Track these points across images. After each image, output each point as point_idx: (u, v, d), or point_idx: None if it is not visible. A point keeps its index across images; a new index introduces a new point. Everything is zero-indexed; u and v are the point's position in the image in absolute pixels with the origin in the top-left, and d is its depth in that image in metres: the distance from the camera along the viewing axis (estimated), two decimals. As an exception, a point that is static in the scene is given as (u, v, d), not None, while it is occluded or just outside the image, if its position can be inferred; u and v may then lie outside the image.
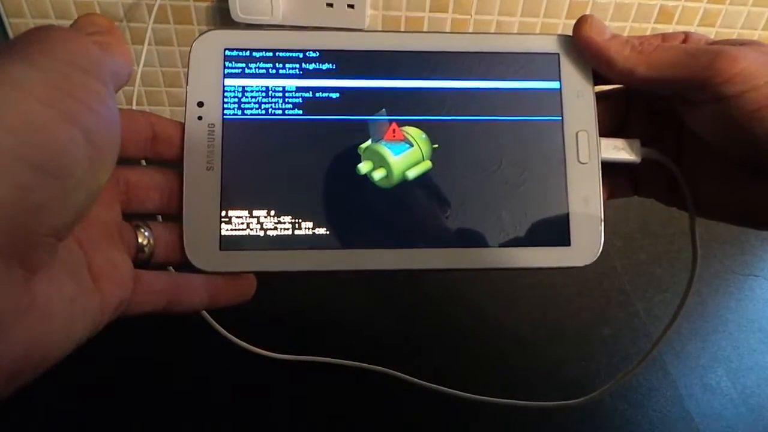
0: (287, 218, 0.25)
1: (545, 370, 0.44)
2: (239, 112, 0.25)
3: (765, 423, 0.42)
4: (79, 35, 0.19)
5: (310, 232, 0.25)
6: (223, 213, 0.25)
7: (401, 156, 0.26)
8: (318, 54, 0.26)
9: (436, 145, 0.26)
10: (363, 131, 0.26)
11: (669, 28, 0.56)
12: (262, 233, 0.25)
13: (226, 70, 0.25)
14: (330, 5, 0.51)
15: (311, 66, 0.26)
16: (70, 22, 0.21)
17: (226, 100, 0.25)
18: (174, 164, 0.25)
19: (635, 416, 0.41)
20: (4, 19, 0.54)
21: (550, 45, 0.27)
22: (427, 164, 0.26)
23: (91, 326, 0.20)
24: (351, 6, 0.51)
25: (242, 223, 0.25)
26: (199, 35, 0.25)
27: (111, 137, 0.18)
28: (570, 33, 0.26)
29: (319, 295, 0.47)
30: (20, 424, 0.38)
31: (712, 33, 0.56)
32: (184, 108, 0.25)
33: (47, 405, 0.39)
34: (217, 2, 0.53)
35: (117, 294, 0.21)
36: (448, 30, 0.55)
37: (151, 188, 0.24)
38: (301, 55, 0.26)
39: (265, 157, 0.25)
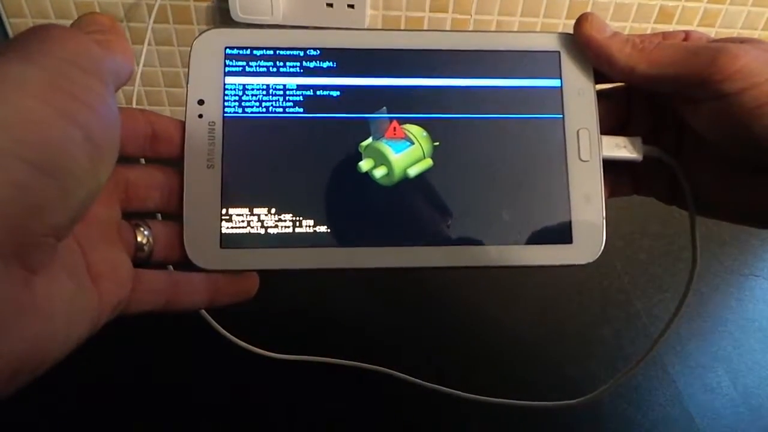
0: (288, 216, 0.25)
1: (545, 370, 0.44)
2: (240, 110, 0.25)
3: (765, 423, 0.42)
4: (79, 34, 0.19)
5: (311, 230, 0.25)
6: (224, 211, 0.25)
7: (402, 154, 0.26)
8: (319, 52, 0.26)
9: (437, 143, 0.26)
10: (364, 129, 0.26)
11: (669, 28, 0.56)
12: (262, 231, 0.25)
13: (227, 69, 0.25)
14: (330, 5, 0.51)
15: (312, 64, 0.26)
16: (71, 22, 0.21)
17: (226, 98, 0.25)
18: (174, 162, 0.25)
19: (635, 416, 0.41)
20: (4, 19, 0.54)
21: (551, 43, 0.27)
22: (428, 162, 0.26)
23: (90, 326, 0.20)
24: (351, 6, 0.51)
25: (243, 221, 0.25)
26: (200, 34, 0.25)
27: (111, 136, 0.18)
28: (571, 32, 0.26)
29: (318, 294, 0.47)
30: (20, 423, 0.38)
31: (712, 33, 0.56)
32: (184, 106, 0.25)
33: (47, 405, 0.39)
34: (217, 2, 0.53)
35: (116, 293, 0.21)
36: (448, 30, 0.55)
37: (151, 187, 0.24)
38: (301, 54, 0.26)
39: (265, 155, 0.25)
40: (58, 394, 0.39)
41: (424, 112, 0.26)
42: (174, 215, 0.25)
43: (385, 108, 0.26)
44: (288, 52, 0.26)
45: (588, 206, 0.26)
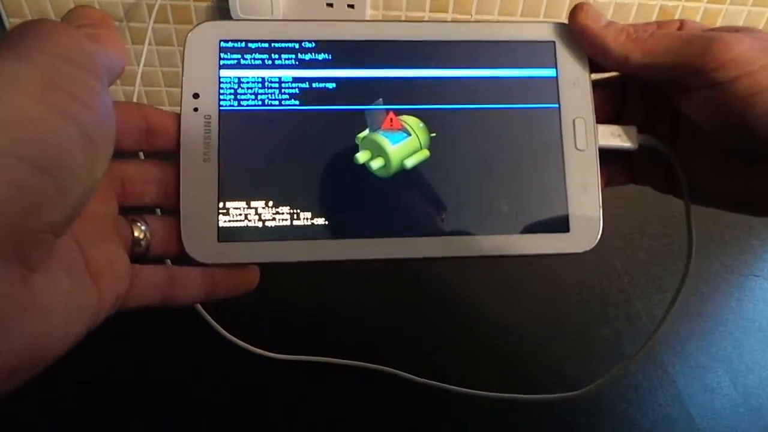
0: (285, 209, 0.25)
1: (545, 369, 0.44)
2: (235, 103, 0.25)
3: (765, 423, 0.42)
4: (71, 29, 0.19)
5: (309, 222, 0.25)
6: (221, 204, 0.24)
7: (399, 145, 0.26)
8: (314, 44, 0.26)
9: (434, 134, 0.26)
10: (360, 121, 0.26)
11: (669, 28, 0.56)
12: (260, 224, 0.25)
13: (222, 62, 0.25)
14: (330, 5, 0.51)
15: (307, 56, 0.26)
16: (70, 21, 0.21)
17: (222, 91, 0.25)
18: (170, 156, 0.24)
19: (635, 416, 0.41)
20: (4, 18, 0.54)
21: (545, 33, 0.27)
22: (425, 153, 0.26)
23: (89, 322, 0.20)
24: (351, 6, 0.51)
25: (240, 215, 0.24)
26: (194, 27, 0.25)
27: (106, 131, 0.18)
28: (566, 22, 0.27)
29: (319, 293, 0.47)
30: (19, 423, 0.38)
31: (712, 33, 0.56)
32: (180, 99, 0.25)
33: (46, 405, 0.39)
34: (217, 2, 0.53)
35: (114, 289, 0.21)
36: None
37: (147, 182, 0.24)
38: (297, 46, 0.26)
39: (262, 148, 0.25)
40: (57, 393, 0.39)
41: (420, 103, 0.26)
42: (171, 210, 0.24)
43: (381, 99, 0.26)
44: (283, 45, 0.26)
45: (584, 195, 0.26)
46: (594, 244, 0.26)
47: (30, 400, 0.38)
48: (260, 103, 0.25)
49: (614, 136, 0.27)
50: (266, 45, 0.25)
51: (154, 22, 0.52)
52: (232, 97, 0.25)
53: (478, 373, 0.43)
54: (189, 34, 0.25)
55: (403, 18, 0.55)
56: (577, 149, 0.26)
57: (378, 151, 0.25)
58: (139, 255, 0.24)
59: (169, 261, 0.26)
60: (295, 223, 0.25)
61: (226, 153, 0.25)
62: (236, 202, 0.24)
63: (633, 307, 0.48)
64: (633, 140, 0.27)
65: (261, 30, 0.26)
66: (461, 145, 0.26)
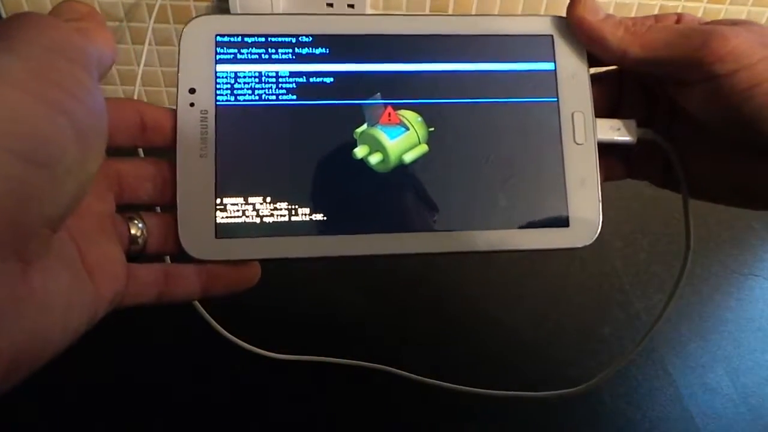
0: (283, 204, 0.25)
1: (546, 369, 0.44)
2: (232, 98, 0.25)
3: (765, 423, 0.42)
4: (60, 22, 0.18)
5: (307, 218, 0.25)
6: (218, 200, 0.24)
7: (397, 140, 0.25)
8: (311, 38, 0.25)
9: (432, 129, 0.26)
10: (358, 115, 0.25)
11: (669, 28, 0.56)
12: (258, 220, 0.24)
13: (218, 56, 0.25)
14: (330, 5, 0.51)
15: (304, 51, 0.25)
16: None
17: (218, 86, 0.25)
18: (166, 153, 0.24)
19: (635, 416, 0.41)
20: (4, 17, 0.54)
21: (543, 26, 0.27)
22: (423, 148, 0.26)
23: (88, 318, 0.19)
24: (351, 6, 0.51)
25: (238, 211, 0.24)
26: (189, 21, 0.25)
27: (97, 125, 0.18)
28: (564, 15, 0.26)
29: (319, 293, 0.47)
30: (19, 423, 0.38)
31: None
32: (176, 95, 0.25)
33: (45, 405, 0.39)
34: (217, 2, 0.53)
35: (111, 286, 0.21)
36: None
37: (143, 178, 0.24)
38: (294, 40, 0.25)
39: (259, 143, 0.25)
40: (57, 393, 0.39)
41: (418, 98, 0.26)
42: (167, 207, 0.24)
43: (379, 94, 0.26)
44: (280, 39, 0.25)
45: (584, 189, 0.26)
46: (593, 239, 0.26)
47: (30, 399, 0.38)
48: (257, 97, 0.25)
49: (613, 130, 0.27)
50: (263, 39, 0.25)
51: (154, 22, 0.52)
52: (229, 91, 0.25)
53: (479, 373, 0.43)
54: (184, 29, 0.25)
55: (403, 18, 0.55)
56: (576, 143, 0.26)
57: (376, 146, 0.25)
58: (136, 252, 0.24)
59: (168, 258, 0.26)
60: (293, 219, 0.25)
61: (223, 148, 0.24)
62: (234, 198, 0.24)
63: (633, 307, 0.48)
64: (632, 134, 0.27)
65: (257, 24, 0.25)
66: (460, 140, 0.26)
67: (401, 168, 0.25)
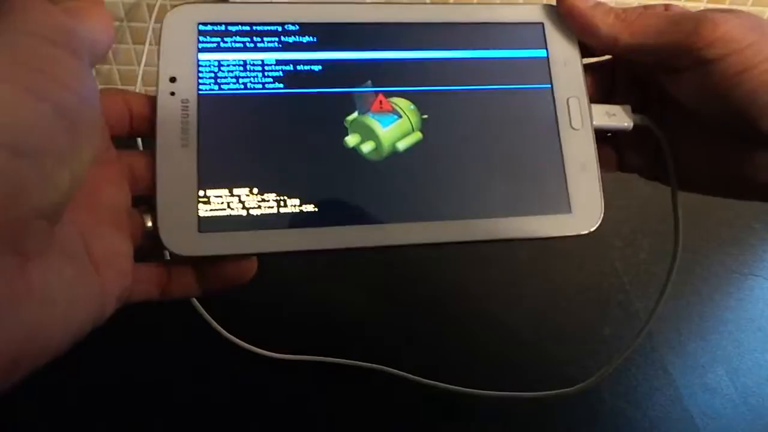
0: (271, 196, 0.23)
1: (545, 369, 0.44)
2: (215, 87, 0.24)
3: (765, 423, 0.42)
4: (45, 3, 0.17)
5: (297, 209, 0.23)
6: (201, 193, 0.23)
7: (390, 127, 0.25)
8: (298, 27, 0.25)
9: (426, 116, 0.25)
10: (348, 103, 0.25)
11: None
12: (244, 213, 0.23)
13: (200, 45, 0.24)
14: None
15: (291, 39, 0.25)
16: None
17: (200, 74, 0.24)
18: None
19: (635, 416, 0.42)
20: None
21: (534, 14, 0.27)
22: (417, 135, 0.25)
23: (94, 315, 0.19)
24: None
25: (222, 203, 0.23)
26: (171, 9, 0.24)
27: (88, 111, 0.17)
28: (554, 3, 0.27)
29: (318, 294, 0.47)
30: (19, 423, 0.38)
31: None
32: (155, 83, 0.24)
33: (45, 405, 0.39)
34: (216, 2, 0.53)
35: (119, 282, 0.20)
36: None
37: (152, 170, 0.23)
38: (279, 29, 0.25)
39: (245, 133, 0.24)
40: (56, 393, 0.39)
41: (410, 85, 0.25)
42: None
43: (370, 81, 0.25)
44: (265, 27, 0.25)
45: (584, 174, 0.26)
46: (597, 225, 0.25)
47: (29, 399, 0.38)
48: (242, 86, 0.24)
49: (609, 116, 0.26)
50: (247, 28, 0.25)
51: (155, 21, 0.52)
52: (212, 80, 0.24)
53: (478, 373, 0.43)
54: (166, 16, 0.24)
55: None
56: (573, 128, 0.26)
57: (368, 134, 0.25)
58: (150, 247, 0.23)
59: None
60: (282, 210, 0.23)
61: (206, 138, 0.23)
62: (218, 190, 0.23)
63: (633, 307, 0.48)
64: (628, 120, 0.27)
65: (241, 12, 0.25)
66: (455, 127, 0.25)
67: (395, 156, 0.25)
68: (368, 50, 0.25)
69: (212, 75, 0.24)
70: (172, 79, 0.24)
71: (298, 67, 0.25)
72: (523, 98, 0.26)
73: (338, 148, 0.24)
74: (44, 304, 0.17)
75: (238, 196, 0.23)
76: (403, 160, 0.25)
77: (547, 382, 0.43)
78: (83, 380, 0.40)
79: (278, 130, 0.24)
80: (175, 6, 0.25)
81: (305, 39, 0.25)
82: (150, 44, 0.55)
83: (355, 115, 0.25)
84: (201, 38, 0.24)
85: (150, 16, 0.51)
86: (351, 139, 0.25)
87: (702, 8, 0.56)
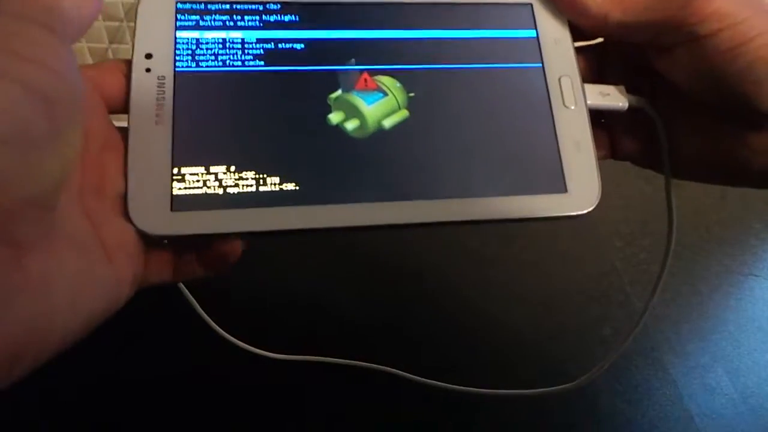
0: (250, 174, 0.23)
1: (545, 369, 0.44)
2: (193, 64, 0.23)
3: (765, 423, 0.42)
4: None
5: (277, 188, 0.23)
6: (175, 170, 0.22)
7: (375, 105, 0.24)
8: (279, 6, 0.25)
9: (412, 94, 0.25)
10: (332, 81, 0.24)
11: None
12: (220, 191, 0.22)
13: (179, 23, 0.24)
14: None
15: (272, 18, 0.24)
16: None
17: (178, 51, 0.23)
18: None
19: (635, 416, 0.41)
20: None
21: None
22: (404, 113, 0.24)
23: (107, 302, 0.19)
24: None
25: (197, 181, 0.22)
26: None
27: (67, 91, 0.16)
28: None
29: (318, 294, 0.47)
30: (19, 423, 0.38)
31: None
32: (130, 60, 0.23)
33: (45, 404, 0.39)
34: None
35: (131, 267, 0.20)
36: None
37: None
38: (261, 8, 0.24)
39: (223, 110, 0.23)
40: (55, 393, 0.39)
41: (395, 63, 0.25)
42: None
43: (353, 60, 0.25)
44: (246, 6, 0.24)
45: (579, 153, 0.25)
46: (594, 205, 0.25)
47: (29, 399, 0.38)
48: (221, 64, 0.24)
49: (603, 95, 0.26)
50: (227, 6, 0.24)
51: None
52: (190, 57, 0.23)
53: (478, 373, 0.43)
54: None
55: None
56: (566, 107, 0.25)
57: (352, 111, 0.24)
58: None
59: None
60: (261, 189, 0.23)
61: (182, 115, 0.23)
62: (193, 168, 0.22)
63: (633, 307, 0.48)
64: (623, 100, 0.26)
65: None
66: (443, 105, 0.25)
67: (381, 134, 0.24)
68: (353, 29, 0.25)
69: (190, 52, 0.24)
70: (148, 56, 0.23)
71: (280, 45, 0.24)
72: (513, 77, 0.26)
73: (321, 125, 0.24)
74: (43, 296, 0.16)
75: (215, 174, 0.22)
76: (389, 138, 0.24)
77: (547, 382, 0.43)
78: (80, 379, 0.40)
79: (258, 108, 0.23)
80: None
81: (287, 18, 0.25)
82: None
83: (338, 92, 0.24)
84: (179, 16, 0.24)
85: (150, 16, 0.51)
86: (334, 117, 0.24)
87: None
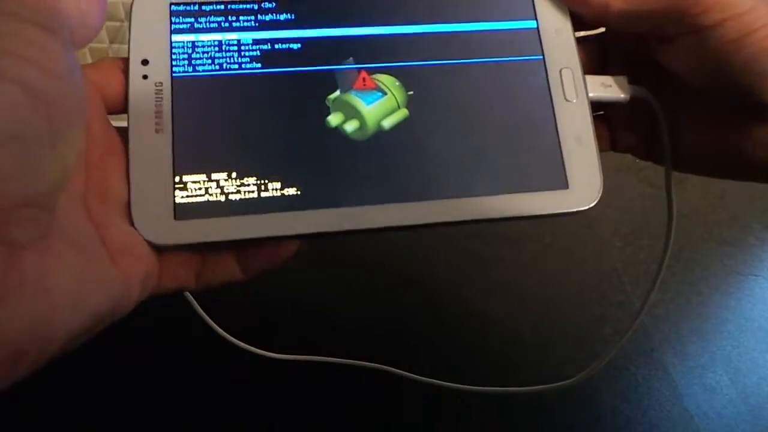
0: (251, 180, 0.23)
1: (545, 369, 0.44)
2: (190, 69, 0.23)
3: (765, 423, 0.42)
4: None
5: (278, 193, 0.23)
6: (177, 179, 0.22)
7: (374, 105, 0.24)
8: (274, 4, 0.24)
9: (411, 92, 0.24)
10: (330, 81, 0.24)
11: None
12: (223, 198, 0.22)
13: (173, 26, 0.23)
14: None
15: (268, 17, 0.24)
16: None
17: (174, 56, 0.23)
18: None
19: (635, 416, 0.41)
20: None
21: None
22: (403, 112, 0.24)
23: (112, 302, 0.19)
24: None
25: (199, 189, 0.22)
26: None
27: (67, 93, 0.16)
28: None
29: (317, 294, 0.47)
30: (18, 423, 0.38)
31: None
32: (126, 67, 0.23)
33: (44, 403, 0.39)
34: None
35: (139, 267, 0.20)
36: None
37: None
38: (255, 7, 0.24)
39: (222, 115, 0.23)
40: (55, 392, 0.39)
41: (394, 61, 0.24)
42: None
43: (351, 58, 0.24)
44: (241, 6, 0.24)
45: (580, 147, 0.25)
46: (596, 200, 0.24)
47: (28, 399, 0.38)
48: (218, 67, 0.23)
49: (605, 87, 0.26)
50: (222, 6, 0.24)
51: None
52: (186, 62, 0.23)
53: (478, 374, 0.43)
54: (135, 1, 0.24)
55: None
56: (567, 100, 0.25)
57: (351, 112, 0.24)
58: None
59: None
60: (263, 195, 0.23)
61: (181, 122, 0.23)
62: (194, 176, 0.22)
63: (633, 307, 0.48)
64: (625, 91, 0.26)
65: None
66: (443, 103, 0.24)
67: (381, 135, 0.24)
68: (349, 26, 0.25)
69: (186, 56, 0.23)
70: (144, 62, 0.23)
71: (276, 46, 0.24)
72: (513, 71, 0.25)
73: (320, 128, 0.23)
74: (41, 294, 0.16)
75: (217, 181, 0.22)
76: (389, 138, 0.24)
77: (547, 382, 0.43)
78: (80, 379, 0.40)
79: (257, 112, 0.23)
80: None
81: (283, 17, 0.24)
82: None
83: (337, 93, 0.24)
84: (174, 18, 0.24)
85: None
86: (334, 119, 0.24)
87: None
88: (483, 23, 0.25)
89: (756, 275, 0.52)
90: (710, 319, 0.48)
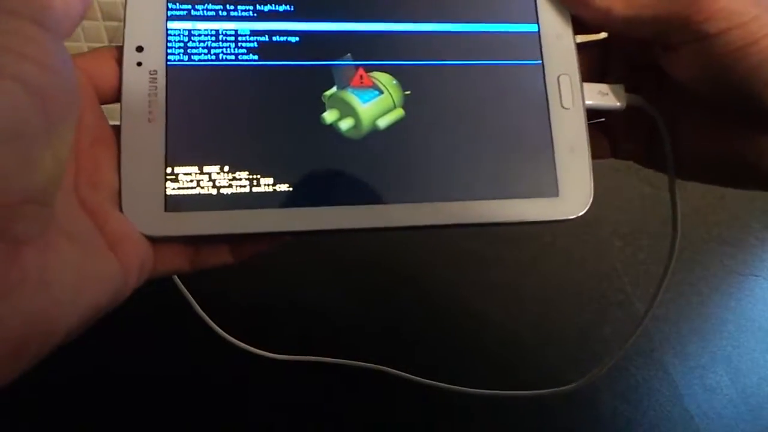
0: (244, 174, 0.22)
1: (545, 370, 0.44)
2: (185, 58, 0.23)
3: (765, 423, 0.42)
4: None
5: (271, 189, 0.22)
6: (168, 170, 0.22)
7: (370, 104, 0.24)
8: None
9: (408, 92, 0.24)
10: (327, 77, 0.24)
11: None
12: (214, 192, 0.22)
13: (170, 12, 0.23)
14: None
15: (266, 8, 0.24)
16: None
17: (169, 44, 0.23)
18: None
19: (635, 416, 0.41)
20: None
21: None
22: (399, 112, 0.24)
23: (113, 292, 0.19)
24: None
25: (191, 181, 0.22)
26: None
27: (61, 86, 0.16)
28: None
29: (317, 294, 0.47)
30: (17, 421, 0.38)
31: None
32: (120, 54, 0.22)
33: (43, 402, 0.39)
34: None
35: (137, 256, 0.20)
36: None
37: None
38: None
39: (216, 107, 0.23)
40: (54, 392, 0.39)
41: (392, 59, 0.24)
42: None
43: (349, 55, 0.24)
44: None
45: (573, 156, 0.24)
46: (585, 209, 0.24)
47: (26, 398, 0.38)
48: (213, 57, 0.23)
49: (602, 95, 0.26)
50: None
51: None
52: (182, 50, 0.23)
53: (477, 374, 0.43)
54: None
55: None
56: (563, 108, 0.25)
57: (347, 110, 0.23)
58: None
59: None
60: (255, 190, 0.22)
61: (175, 112, 0.22)
62: (186, 168, 0.22)
63: (633, 307, 0.48)
64: (621, 99, 0.26)
65: None
66: (439, 104, 0.24)
67: (376, 134, 0.24)
68: (349, 21, 0.24)
69: (182, 45, 0.23)
70: (139, 49, 0.22)
71: (274, 38, 0.24)
72: (511, 75, 0.25)
73: (315, 124, 0.23)
74: (42, 289, 0.16)
75: (209, 173, 0.22)
76: (383, 138, 0.24)
77: (546, 383, 0.43)
78: (80, 379, 0.40)
79: (252, 105, 0.23)
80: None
81: (282, 8, 0.24)
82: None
83: (333, 90, 0.24)
84: (170, 5, 0.23)
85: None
86: (329, 116, 0.23)
87: None
88: (484, 24, 0.25)
89: (756, 275, 0.52)
90: (710, 320, 0.48)
